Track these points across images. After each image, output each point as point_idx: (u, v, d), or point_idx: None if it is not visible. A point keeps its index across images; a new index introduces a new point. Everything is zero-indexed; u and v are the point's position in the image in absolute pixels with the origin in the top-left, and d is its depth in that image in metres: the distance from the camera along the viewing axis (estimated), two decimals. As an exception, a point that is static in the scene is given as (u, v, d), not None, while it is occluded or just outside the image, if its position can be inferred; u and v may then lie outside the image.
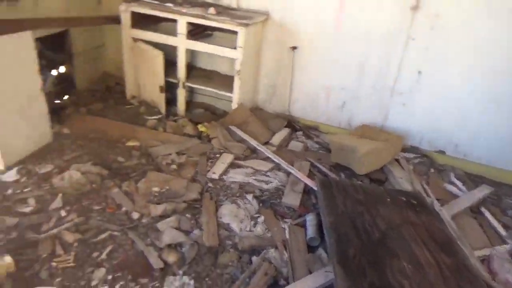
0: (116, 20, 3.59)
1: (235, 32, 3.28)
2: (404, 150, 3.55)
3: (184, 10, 3.32)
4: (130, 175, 2.83)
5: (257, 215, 2.54)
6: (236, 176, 2.90)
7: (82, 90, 4.03)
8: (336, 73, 3.59)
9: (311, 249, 2.32)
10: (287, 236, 2.36)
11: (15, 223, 2.26)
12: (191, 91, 4.08)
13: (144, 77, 3.75)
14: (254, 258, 2.19)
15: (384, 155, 3.21)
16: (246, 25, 3.20)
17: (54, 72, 3.73)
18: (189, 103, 3.90)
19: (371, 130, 3.50)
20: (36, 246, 2.13)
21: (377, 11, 3.24)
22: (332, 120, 3.82)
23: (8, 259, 1.94)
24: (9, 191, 2.53)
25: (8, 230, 2.21)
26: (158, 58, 3.43)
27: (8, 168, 2.72)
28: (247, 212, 2.53)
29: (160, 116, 3.64)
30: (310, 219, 2.47)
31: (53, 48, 3.63)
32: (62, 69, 3.88)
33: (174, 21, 3.42)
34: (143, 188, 2.67)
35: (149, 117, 3.59)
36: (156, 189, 2.66)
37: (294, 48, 3.60)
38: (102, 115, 3.56)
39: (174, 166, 2.94)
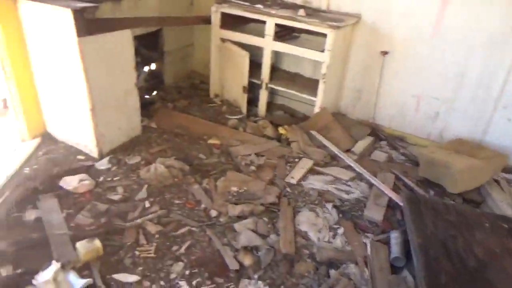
0: (207, 20, 3.69)
1: (323, 35, 3.18)
2: (506, 170, 3.15)
3: (273, 12, 3.29)
4: (210, 172, 2.87)
5: (336, 226, 2.41)
6: (315, 183, 2.80)
7: (169, 86, 4.22)
8: (430, 81, 3.31)
9: (394, 269, 2.14)
10: (369, 252, 2.21)
11: (105, 209, 2.40)
12: (271, 93, 4.05)
13: (229, 77, 3.81)
14: (332, 272, 2.07)
15: (481, 174, 2.88)
16: (337, 27, 3.09)
17: (146, 69, 3.95)
18: (269, 105, 3.88)
19: (467, 144, 3.16)
20: (122, 233, 2.24)
21: (483, 15, 2.92)
22: (421, 131, 3.53)
23: (97, 243, 2.06)
24: (101, 178, 2.71)
25: (99, 215, 2.35)
26: (244, 58, 3.46)
27: (101, 157, 2.92)
28: (326, 221, 2.42)
29: (241, 116, 3.66)
30: (395, 236, 2.28)
31: (147, 46, 3.84)
32: (153, 66, 4.10)
33: (262, 22, 3.41)
34: (222, 187, 2.69)
35: (231, 117, 3.63)
36: (234, 189, 2.66)
37: (385, 53, 3.39)
38: (187, 112, 3.68)
39: (253, 167, 2.92)
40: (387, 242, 2.29)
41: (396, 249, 2.19)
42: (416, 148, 3.37)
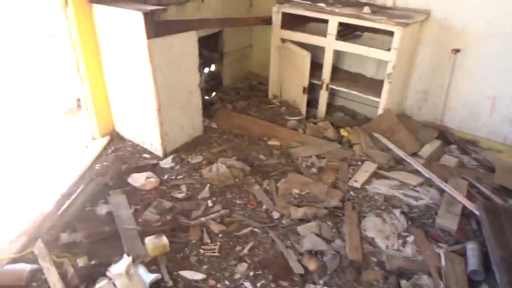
0: (267, 21, 3.69)
1: (389, 33, 3.05)
2: None
3: (337, 10, 3.21)
4: (271, 173, 2.84)
5: (405, 233, 2.28)
6: (381, 187, 2.68)
7: (227, 87, 4.27)
8: (509, 81, 3.05)
9: (472, 283, 1.98)
10: (443, 263, 2.06)
11: (170, 207, 2.46)
12: (331, 94, 3.95)
13: (288, 78, 3.77)
14: (403, 283, 1.95)
15: None
16: (405, 24, 2.94)
17: (206, 70, 4.02)
18: (329, 106, 3.78)
19: (552, 151, 2.88)
20: (187, 231, 2.28)
21: None
22: (496, 135, 3.26)
23: (164, 239, 2.10)
24: (165, 177, 2.78)
25: (164, 212, 2.41)
26: (305, 58, 3.40)
27: (165, 155, 3.00)
28: (394, 228, 2.30)
29: (300, 117, 3.61)
30: (472, 248, 2.11)
31: (208, 48, 3.91)
32: (213, 67, 4.16)
33: (324, 21, 3.34)
34: (283, 188, 2.66)
35: (290, 118, 3.59)
36: (296, 191, 2.61)
37: (456, 51, 3.17)
38: (246, 113, 3.69)
39: (314, 170, 2.86)
40: (463, 254, 2.12)
41: (473, 262, 2.02)
42: (490, 153, 3.12)
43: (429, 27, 3.26)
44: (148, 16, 2.57)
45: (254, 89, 4.29)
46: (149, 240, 2.08)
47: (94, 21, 2.87)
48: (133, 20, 2.59)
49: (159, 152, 3.01)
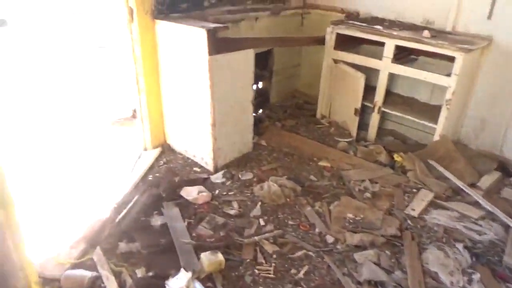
0: (320, 41, 3.68)
1: (447, 58, 2.98)
2: None
3: (395, 33, 3.16)
4: (322, 195, 2.79)
5: (470, 270, 2.16)
6: (440, 218, 2.56)
7: (274, 105, 4.27)
8: None
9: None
10: (514, 306, 1.93)
11: (223, 223, 2.44)
12: (381, 117, 3.87)
13: (339, 98, 3.73)
14: (472, 323, 1.84)
15: None
16: (468, 50, 2.85)
17: (254, 87, 4.04)
18: (378, 129, 3.70)
19: None
20: (240, 249, 2.25)
21: None
22: (561, 170, 3.08)
23: (220, 256, 2.08)
24: (217, 191, 2.78)
25: (217, 228, 2.40)
26: (359, 80, 3.36)
27: (216, 170, 3.01)
28: (458, 264, 2.18)
29: (350, 139, 3.55)
30: (546, 291, 1.96)
31: (258, 65, 3.93)
32: (260, 84, 4.19)
33: (377, 43, 3.31)
34: (336, 212, 2.59)
35: (340, 139, 3.53)
36: (350, 215, 2.54)
37: (521, 79, 3.05)
38: (295, 131, 3.67)
39: (367, 194, 2.78)
40: (535, 297, 1.98)
41: (549, 307, 1.88)
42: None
43: (491, 53, 3.16)
44: (211, 33, 2.62)
45: (300, 108, 4.27)
46: (205, 256, 2.07)
47: (156, 36, 2.96)
48: (196, 37, 2.65)
49: (210, 166, 3.03)
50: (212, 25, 2.68)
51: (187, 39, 2.74)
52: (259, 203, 2.66)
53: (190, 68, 2.81)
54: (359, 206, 2.65)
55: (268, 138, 3.50)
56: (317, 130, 3.72)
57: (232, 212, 2.57)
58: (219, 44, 2.71)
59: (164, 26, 2.88)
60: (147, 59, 2.98)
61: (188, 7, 3.08)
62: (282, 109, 4.20)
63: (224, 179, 2.91)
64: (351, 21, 3.53)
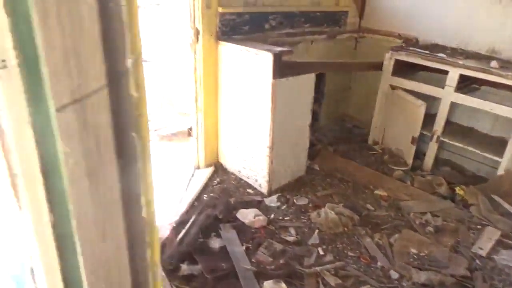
0: (378, 66, 3.63)
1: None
2: None
3: (460, 62, 3.07)
4: (381, 226, 2.70)
5: (552, 321, 2.01)
6: (511, 260, 2.41)
7: (323, 127, 4.22)
8: None
9: None
10: None
11: (281, 250, 2.39)
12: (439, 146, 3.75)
13: (394, 125, 3.64)
14: None
15: None
16: (542, 83, 2.73)
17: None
18: (435, 159, 3.57)
19: None
20: (302, 279, 2.19)
21: None
22: None
23: (283, 286, 2.03)
24: (272, 215, 2.74)
25: (277, 255, 2.35)
26: (420, 108, 3.27)
27: (270, 193, 2.98)
28: (537, 312, 2.03)
29: (406, 168, 3.44)
30: None
31: (311, 88, 3.92)
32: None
33: (438, 71, 3.22)
34: (398, 246, 2.49)
35: (395, 167, 3.43)
36: (414, 250, 2.44)
37: None
38: (347, 157, 3.60)
39: (430, 228, 2.67)
40: None
41: None
42: None
43: None
44: (277, 57, 2.63)
45: (349, 132, 4.21)
46: (268, 285, 2.03)
47: (218, 57, 3.00)
48: (261, 60, 2.66)
49: (263, 189, 3.00)
50: (278, 49, 2.69)
51: (251, 62, 2.75)
52: (317, 230, 2.60)
53: (252, 90, 2.82)
54: (422, 241, 2.54)
55: (320, 162, 3.45)
56: (370, 157, 3.64)
57: (289, 238, 2.52)
58: (283, 68, 2.72)
59: (227, 48, 2.92)
60: (208, 79, 3.02)
61: (249, 30, 3.12)
62: (331, 133, 4.15)
63: (279, 203, 2.88)
64: (411, 48, 3.47)
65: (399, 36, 3.89)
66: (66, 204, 0.57)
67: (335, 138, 4.03)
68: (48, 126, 0.52)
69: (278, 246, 2.42)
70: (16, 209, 0.56)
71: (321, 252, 2.42)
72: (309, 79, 2.95)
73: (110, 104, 0.56)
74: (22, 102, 0.50)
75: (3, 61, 0.47)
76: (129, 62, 0.57)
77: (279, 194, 2.97)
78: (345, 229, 2.65)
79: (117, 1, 0.53)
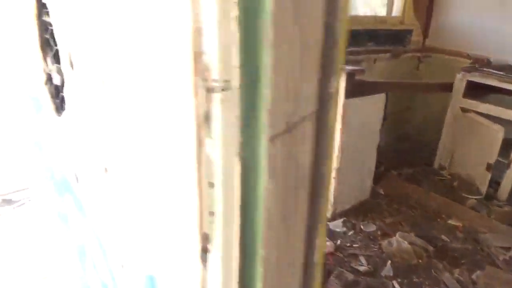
0: (448, 88, 3.44)
1: None
2: None
3: (546, 85, 2.85)
4: (460, 260, 2.48)
5: None
6: None
7: (382, 148, 4.04)
8: None
9: None
10: None
11: (353, 280, 2.24)
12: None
13: (465, 150, 3.42)
14: None
15: None
16: None
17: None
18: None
19: None
20: (380, 315, 2.02)
21: None
22: None
23: (363, 322, 1.87)
24: (339, 242, 2.59)
25: (348, 285, 2.20)
26: (497, 134, 3.05)
27: (333, 217, 2.84)
28: None
29: (479, 196, 3.20)
30: None
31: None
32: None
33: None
34: (482, 284, 2.27)
35: (468, 196, 3.19)
36: (502, 290, 2.21)
37: None
38: (413, 181, 3.40)
39: (516, 266, 2.43)
40: None
41: None
42: None
43: None
44: (349, 76, 2.52)
45: (411, 154, 3.99)
46: (346, 320, 1.87)
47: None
48: (333, 78, 2.56)
49: (328, 212, 2.86)
50: (350, 68, 2.59)
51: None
52: (389, 261, 2.43)
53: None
54: (510, 280, 2.30)
55: (385, 186, 3.27)
56: (438, 182, 3.42)
57: (361, 268, 2.36)
58: (355, 87, 2.61)
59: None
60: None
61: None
62: (391, 154, 3.95)
63: (345, 228, 2.73)
64: (485, 69, 3.26)
65: (468, 56, 3.69)
66: (256, 249, 0.48)
67: (398, 160, 3.83)
68: (254, 158, 0.44)
69: (349, 276, 2.27)
70: (203, 250, 0.48)
71: (397, 286, 2.25)
72: (380, 98, 2.83)
73: (314, 134, 0.48)
74: (235, 130, 0.42)
75: (227, 81, 0.40)
76: (335, 83, 0.49)
77: (344, 218, 2.82)
78: (419, 261, 2.45)
79: (337, 14, 0.44)
